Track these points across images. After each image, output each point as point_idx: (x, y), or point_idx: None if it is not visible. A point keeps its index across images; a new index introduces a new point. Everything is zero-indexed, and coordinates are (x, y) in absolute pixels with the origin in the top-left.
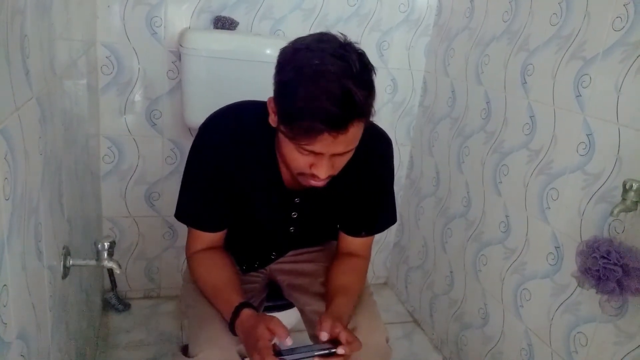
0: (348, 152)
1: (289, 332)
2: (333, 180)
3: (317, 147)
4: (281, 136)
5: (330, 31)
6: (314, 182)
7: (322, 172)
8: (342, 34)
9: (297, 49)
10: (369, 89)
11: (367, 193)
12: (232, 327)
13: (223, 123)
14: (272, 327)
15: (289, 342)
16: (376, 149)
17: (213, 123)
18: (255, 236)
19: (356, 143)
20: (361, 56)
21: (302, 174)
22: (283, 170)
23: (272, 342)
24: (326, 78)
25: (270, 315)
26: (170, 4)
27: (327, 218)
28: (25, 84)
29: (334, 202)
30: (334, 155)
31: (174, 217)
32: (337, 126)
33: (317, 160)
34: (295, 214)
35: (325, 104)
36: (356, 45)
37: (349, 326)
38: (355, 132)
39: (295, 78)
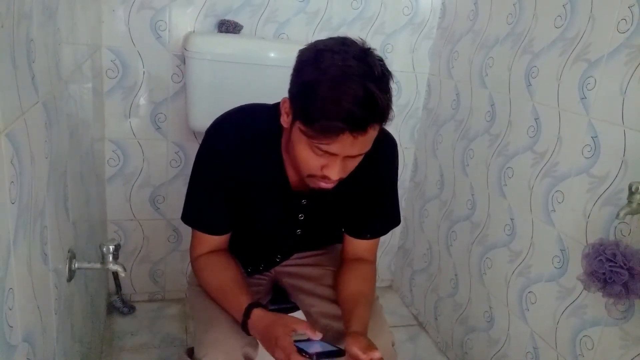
0: (361, 154)
1: (310, 325)
2: (339, 182)
3: (334, 147)
4: (295, 136)
5: (339, 35)
6: (323, 184)
7: (334, 174)
8: (361, 39)
9: (320, 50)
10: (389, 94)
11: (371, 194)
12: (244, 327)
13: (229, 126)
14: (292, 325)
15: (318, 336)
16: (382, 151)
17: (219, 127)
18: (261, 238)
19: (369, 147)
20: (381, 62)
21: (312, 175)
22: (289, 172)
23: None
24: (350, 79)
25: (284, 315)
26: (175, 8)
27: (333, 220)
28: (31, 88)
29: (340, 203)
30: (346, 157)
31: (178, 220)
32: (358, 127)
33: (330, 162)
34: (302, 216)
35: (348, 105)
36: (375, 52)
37: None
38: (372, 135)
39: (319, 78)
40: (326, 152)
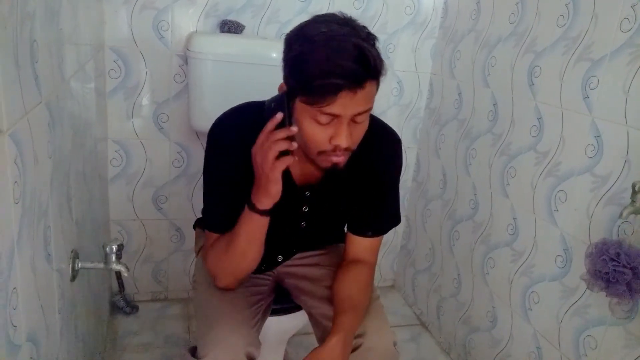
0: (364, 113)
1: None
2: (343, 172)
3: (336, 107)
4: (298, 114)
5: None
6: (335, 158)
7: (343, 140)
8: (342, 13)
9: (303, 26)
10: (378, 51)
11: (375, 190)
12: (255, 208)
13: (230, 123)
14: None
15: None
16: (385, 147)
17: (221, 125)
18: (266, 233)
19: (371, 105)
20: (364, 27)
21: (322, 152)
22: (291, 166)
23: None
24: (338, 39)
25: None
26: (177, 8)
27: (336, 213)
28: (35, 88)
29: (343, 196)
30: (351, 121)
31: (181, 220)
32: (356, 82)
33: (336, 129)
34: (306, 208)
35: (342, 61)
36: (357, 21)
37: (357, 332)
38: (370, 92)
39: (308, 47)
40: (330, 116)
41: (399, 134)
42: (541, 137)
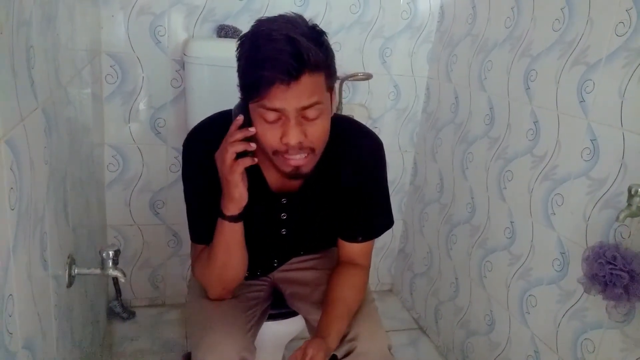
0: (311, 107)
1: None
2: (318, 179)
3: (275, 100)
4: (251, 114)
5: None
6: (293, 161)
7: (291, 136)
8: (295, 13)
9: (250, 28)
10: (319, 45)
11: (358, 196)
12: (226, 215)
13: (200, 136)
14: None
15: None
16: (364, 150)
17: (194, 136)
18: (251, 243)
19: (318, 98)
20: (314, 25)
21: (276, 153)
22: (266, 173)
23: None
24: (270, 34)
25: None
26: (174, 14)
27: (317, 219)
28: (31, 94)
29: (322, 202)
30: (303, 118)
31: (178, 225)
32: (287, 73)
33: (285, 127)
34: (284, 215)
35: (271, 54)
36: (310, 20)
37: (349, 336)
38: (311, 85)
39: (246, 46)
40: (275, 112)
41: (396, 138)
42: (537, 140)
